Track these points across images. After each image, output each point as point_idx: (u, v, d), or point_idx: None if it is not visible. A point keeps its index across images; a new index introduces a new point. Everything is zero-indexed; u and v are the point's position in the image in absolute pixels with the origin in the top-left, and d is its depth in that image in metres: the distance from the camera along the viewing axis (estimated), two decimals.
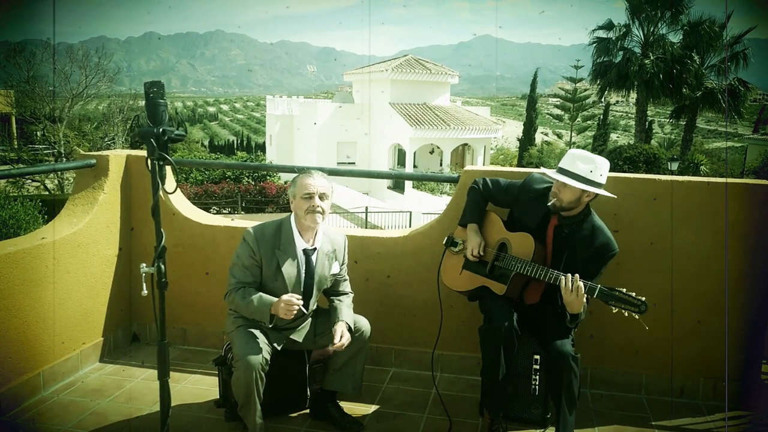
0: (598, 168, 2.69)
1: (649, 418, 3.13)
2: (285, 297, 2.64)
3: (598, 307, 3.24)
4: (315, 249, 2.86)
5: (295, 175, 2.85)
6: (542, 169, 2.98)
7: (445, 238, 3.13)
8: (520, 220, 2.92)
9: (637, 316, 2.54)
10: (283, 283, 2.78)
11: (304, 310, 2.76)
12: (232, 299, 2.78)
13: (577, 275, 2.62)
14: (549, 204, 2.76)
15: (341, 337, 2.73)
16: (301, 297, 2.67)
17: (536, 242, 2.80)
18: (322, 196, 2.75)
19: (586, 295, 2.60)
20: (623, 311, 2.56)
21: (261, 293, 2.74)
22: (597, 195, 2.73)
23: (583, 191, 2.70)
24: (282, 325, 2.84)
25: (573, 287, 2.59)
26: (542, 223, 2.85)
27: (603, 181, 2.72)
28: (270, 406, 2.82)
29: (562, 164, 2.75)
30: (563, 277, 2.63)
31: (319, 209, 2.74)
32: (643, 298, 2.53)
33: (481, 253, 2.93)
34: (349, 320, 2.85)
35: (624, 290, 2.56)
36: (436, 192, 24.50)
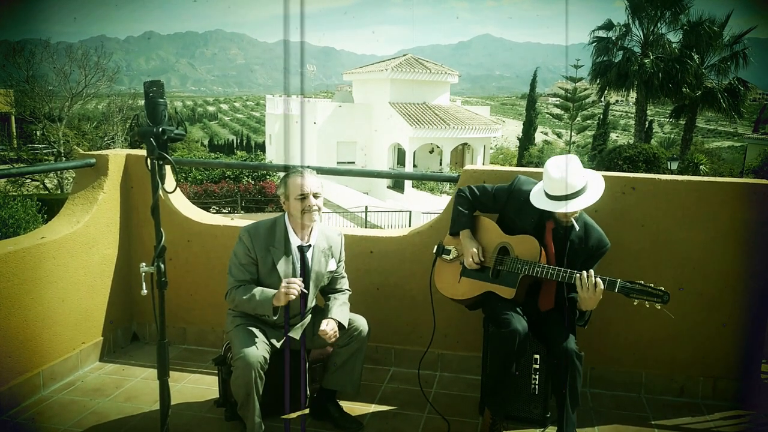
0: (584, 172, 2.70)
1: (648, 417, 3.13)
2: (284, 281, 2.68)
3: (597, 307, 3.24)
4: (310, 246, 2.86)
5: (283, 174, 2.84)
6: (535, 202, 2.77)
7: (435, 247, 3.04)
8: (515, 223, 2.88)
9: (658, 306, 2.55)
10: (278, 280, 2.78)
11: (305, 290, 2.77)
12: (232, 298, 2.79)
13: (591, 271, 2.61)
14: (564, 224, 2.75)
15: (327, 324, 2.75)
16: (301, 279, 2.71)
17: (540, 244, 2.77)
18: (315, 195, 2.77)
19: (603, 290, 2.60)
20: (645, 303, 2.57)
21: (262, 287, 2.76)
22: None
23: None
24: (282, 321, 2.84)
25: (590, 284, 2.59)
26: (538, 227, 2.82)
27: (588, 177, 2.73)
28: (269, 405, 2.81)
29: (557, 191, 2.65)
30: (578, 274, 2.62)
31: (315, 208, 2.77)
32: (663, 288, 2.55)
33: (482, 259, 2.86)
34: (340, 317, 2.84)
35: (643, 282, 2.58)
36: (436, 191, 24.50)
